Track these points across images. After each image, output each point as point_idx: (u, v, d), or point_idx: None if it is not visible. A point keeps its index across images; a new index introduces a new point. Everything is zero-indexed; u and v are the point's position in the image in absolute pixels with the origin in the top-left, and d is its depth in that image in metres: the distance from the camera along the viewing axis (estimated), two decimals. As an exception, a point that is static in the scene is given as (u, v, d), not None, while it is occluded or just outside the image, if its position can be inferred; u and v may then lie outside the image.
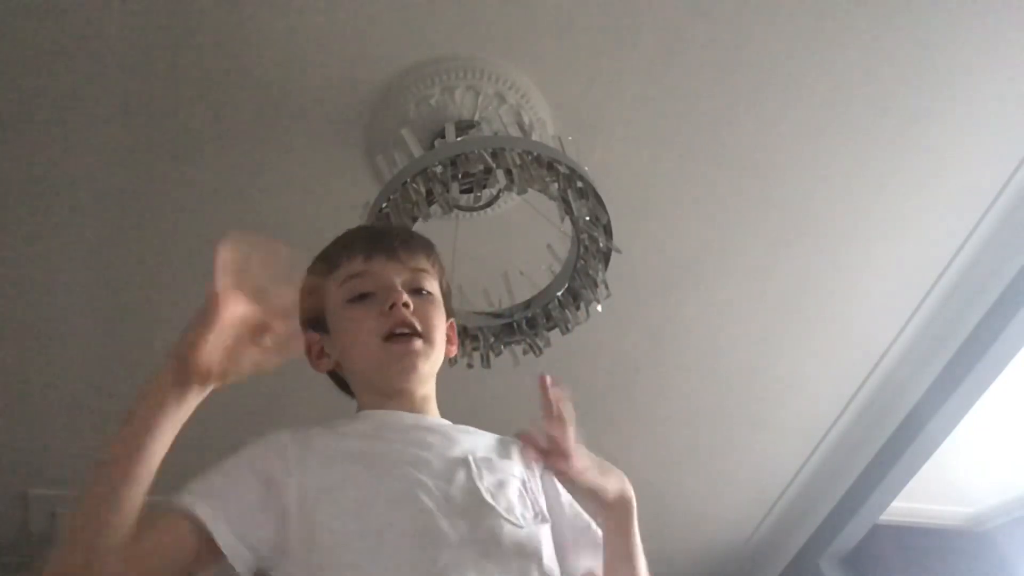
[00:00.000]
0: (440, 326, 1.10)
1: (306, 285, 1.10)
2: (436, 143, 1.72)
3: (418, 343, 1.05)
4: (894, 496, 2.77)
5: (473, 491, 0.96)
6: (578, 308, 1.69)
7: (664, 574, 3.08)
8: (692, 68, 1.80)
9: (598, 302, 1.68)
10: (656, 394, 2.48)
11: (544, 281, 1.73)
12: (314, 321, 1.11)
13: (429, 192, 1.54)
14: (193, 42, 1.66)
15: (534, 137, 1.63)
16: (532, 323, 1.71)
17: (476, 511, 0.94)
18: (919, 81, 1.86)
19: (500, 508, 0.95)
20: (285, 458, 0.95)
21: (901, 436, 2.61)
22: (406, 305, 1.06)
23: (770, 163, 1.98)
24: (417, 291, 1.10)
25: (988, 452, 2.88)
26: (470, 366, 1.74)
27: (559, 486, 1.08)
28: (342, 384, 1.14)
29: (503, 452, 1.05)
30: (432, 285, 1.13)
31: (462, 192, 1.62)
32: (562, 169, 1.55)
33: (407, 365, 1.05)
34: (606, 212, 1.59)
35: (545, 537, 0.99)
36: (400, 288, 1.07)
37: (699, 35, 1.74)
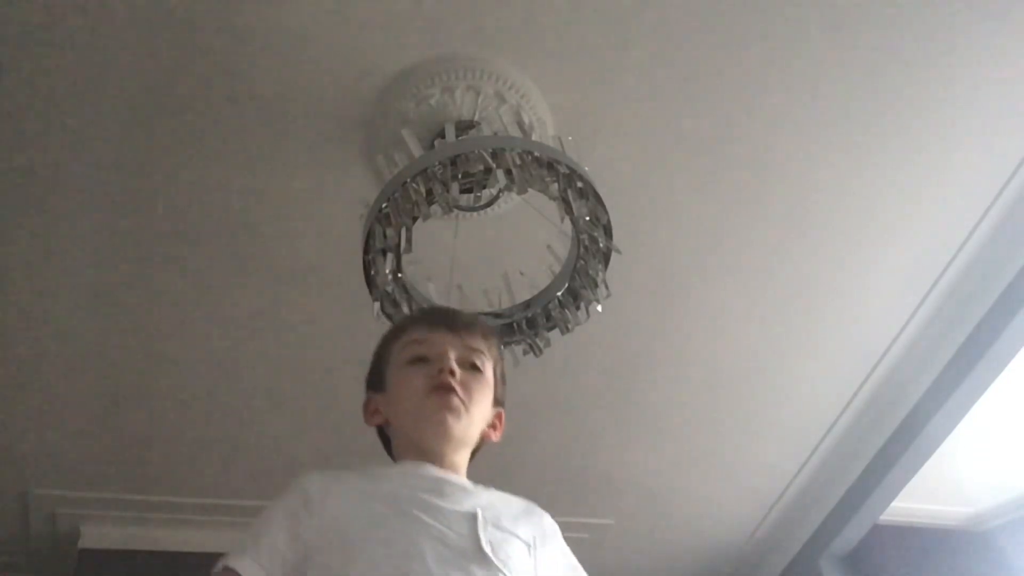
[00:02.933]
0: (482, 401, 1.17)
1: (377, 347, 1.24)
2: (436, 143, 1.72)
3: (455, 400, 1.12)
4: (894, 496, 2.76)
5: (473, 541, 0.99)
6: (578, 308, 1.69)
7: (664, 574, 3.10)
8: (692, 68, 1.80)
9: (598, 302, 1.68)
10: (656, 394, 2.48)
11: (544, 281, 1.72)
12: (376, 380, 1.22)
13: (429, 192, 1.54)
14: (194, 42, 1.66)
15: (534, 137, 1.63)
16: (532, 323, 1.71)
17: (472, 560, 0.97)
18: (919, 81, 1.86)
19: (496, 560, 0.98)
20: (309, 501, 1.04)
21: (901, 436, 2.60)
22: (452, 373, 1.14)
23: (770, 163, 1.98)
24: (469, 365, 1.17)
25: (988, 452, 2.88)
26: (470, 366, 1.74)
27: (570, 557, 1.14)
28: (386, 443, 1.22)
29: (517, 514, 1.11)
30: (485, 365, 1.20)
31: (462, 192, 1.62)
32: (562, 169, 1.55)
33: (441, 419, 1.12)
34: (606, 212, 1.58)
35: None
36: (452, 357, 1.15)
37: (699, 35, 1.74)
